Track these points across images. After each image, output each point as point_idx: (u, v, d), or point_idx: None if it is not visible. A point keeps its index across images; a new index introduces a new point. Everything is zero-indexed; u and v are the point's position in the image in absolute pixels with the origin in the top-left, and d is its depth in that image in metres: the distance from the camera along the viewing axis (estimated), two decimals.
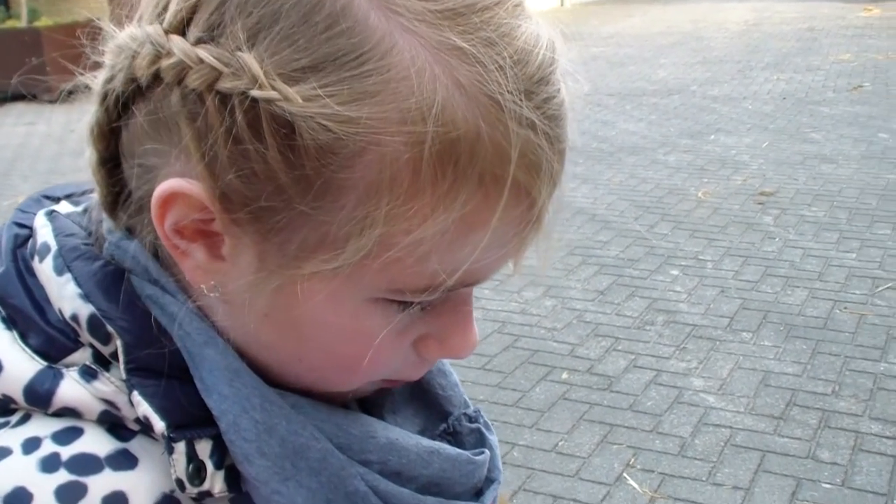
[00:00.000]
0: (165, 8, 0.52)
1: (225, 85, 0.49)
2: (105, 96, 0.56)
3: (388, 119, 0.49)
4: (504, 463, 3.18)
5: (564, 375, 3.82)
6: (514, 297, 4.63)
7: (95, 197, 0.62)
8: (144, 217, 0.57)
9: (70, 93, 0.60)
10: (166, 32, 0.51)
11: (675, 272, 4.85)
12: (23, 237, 0.62)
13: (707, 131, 7.78)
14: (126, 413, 0.58)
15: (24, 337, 0.59)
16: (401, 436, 0.63)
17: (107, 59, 0.55)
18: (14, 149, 8.54)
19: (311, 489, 0.58)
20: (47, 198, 0.67)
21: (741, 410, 3.49)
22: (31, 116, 9.37)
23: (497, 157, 0.50)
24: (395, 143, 0.49)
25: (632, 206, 5.99)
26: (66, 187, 0.68)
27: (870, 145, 7.04)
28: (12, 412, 0.58)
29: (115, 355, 0.58)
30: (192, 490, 0.57)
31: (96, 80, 0.57)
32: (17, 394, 0.57)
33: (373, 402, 0.68)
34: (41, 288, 0.60)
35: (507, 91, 0.50)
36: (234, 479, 0.59)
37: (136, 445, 0.58)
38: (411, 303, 0.55)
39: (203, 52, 0.50)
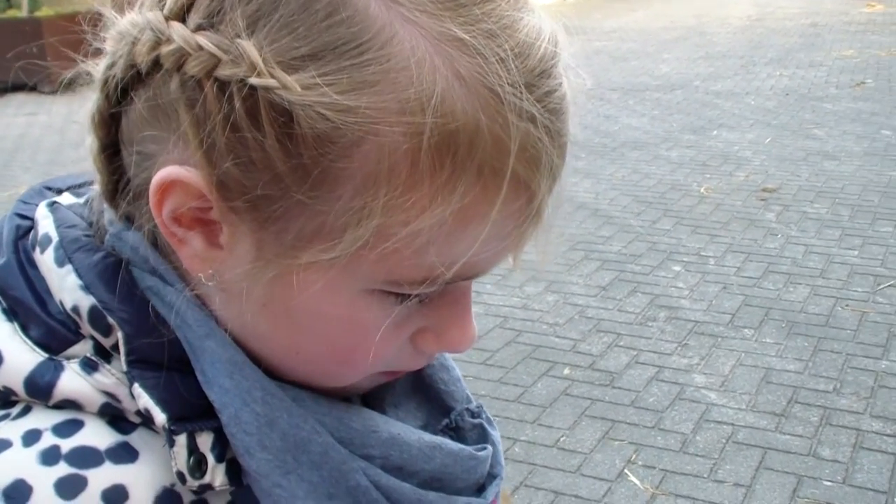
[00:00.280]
0: None
1: (224, 72, 0.49)
2: (106, 83, 0.56)
3: (386, 109, 0.48)
4: (505, 458, 3.18)
5: (566, 371, 3.83)
6: (515, 292, 4.63)
7: (97, 188, 0.62)
8: (142, 205, 0.57)
9: (71, 82, 0.59)
10: (167, 19, 0.51)
11: (677, 268, 4.85)
12: (24, 228, 0.62)
13: (710, 127, 7.77)
14: (127, 405, 0.58)
15: (24, 329, 0.59)
16: (403, 430, 0.63)
17: (108, 46, 0.55)
18: (14, 139, 8.53)
19: (312, 483, 0.58)
20: (49, 189, 0.67)
21: (743, 407, 3.49)
22: (32, 107, 9.35)
23: (496, 150, 0.50)
24: (394, 134, 0.49)
25: (634, 201, 5.99)
26: (68, 179, 0.68)
27: (872, 142, 7.03)
28: (13, 404, 0.58)
29: (115, 347, 0.58)
30: (193, 483, 0.57)
31: (98, 68, 0.57)
32: (18, 386, 0.57)
33: (374, 396, 0.68)
34: (42, 279, 0.60)
35: (508, 83, 0.50)
36: (235, 472, 0.59)
37: (137, 438, 0.58)
38: (409, 295, 0.55)
39: (202, 39, 0.50)
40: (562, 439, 3.34)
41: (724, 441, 3.28)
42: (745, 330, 4.11)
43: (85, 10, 0.58)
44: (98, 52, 0.57)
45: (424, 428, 0.68)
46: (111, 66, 0.55)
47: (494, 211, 0.51)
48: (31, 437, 0.56)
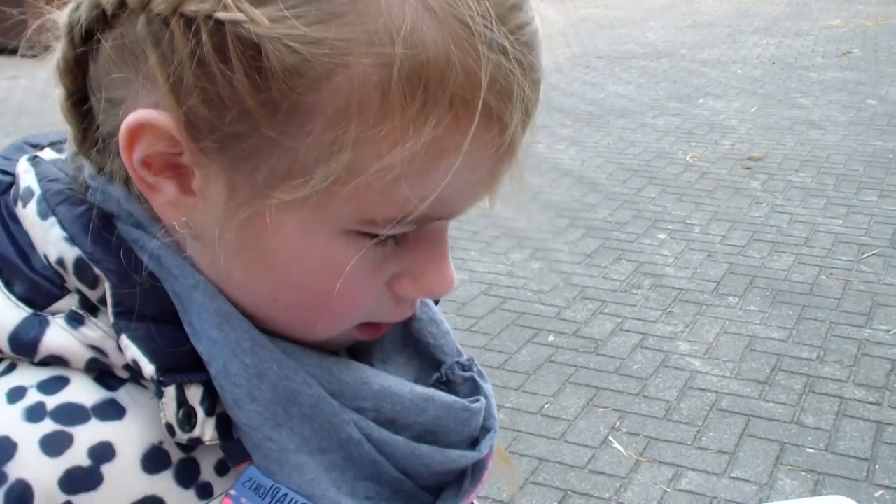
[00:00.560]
0: None
1: (190, 8, 0.48)
2: (70, 27, 0.55)
3: (355, 40, 0.48)
4: None
5: (551, 338, 3.82)
6: (500, 259, 4.62)
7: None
8: (113, 152, 0.56)
9: (38, 31, 0.58)
10: None
11: (662, 236, 4.85)
12: (5, 184, 0.61)
13: (696, 95, 7.75)
14: (114, 359, 0.57)
15: (8, 285, 0.58)
16: (394, 383, 0.62)
17: None
18: None
19: (303, 436, 0.58)
20: (30, 145, 0.66)
21: (727, 375, 3.50)
22: (13, 70, 9.23)
23: (467, 82, 0.49)
24: (364, 66, 0.48)
25: (620, 168, 5.98)
26: (49, 135, 0.67)
27: (858, 111, 7.03)
28: None
29: (102, 301, 0.57)
30: (182, 436, 0.56)
31: (62, 14, 0.55)
32: (2, 342, 0.56)
33: (363, 352, 0.67)
34: (25, 234, 0.58)
35: (479, 15, 0.49)
36: (225, 427, 0.58)
37: (124, 395, 0.57)
38: (385, 237, 0.54)
39: None
40: (546, 406, 3.34)
41: (707, 408, 3.29)
42: (730, 298, 4.12)
43: None
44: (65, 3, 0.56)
45: (415, 383, 0.66)
46: (76, 8, 0.54)
47: (466, 142, 0.51)
48: (16, 395, 0.55)
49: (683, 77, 8.45)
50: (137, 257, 0.57)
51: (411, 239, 0.57)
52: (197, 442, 0.57)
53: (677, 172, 5.85)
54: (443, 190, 0.52)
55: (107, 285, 0.56)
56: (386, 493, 0.62)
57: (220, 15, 0.48)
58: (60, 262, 0.57)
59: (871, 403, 3.28)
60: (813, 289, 4.17)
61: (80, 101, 0.58)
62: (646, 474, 2.95)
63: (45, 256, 0.57)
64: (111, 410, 0.56)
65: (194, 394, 0.57)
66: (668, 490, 2.87)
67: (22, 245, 0.58)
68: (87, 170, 0.60)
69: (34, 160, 0.62)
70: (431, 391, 0.64)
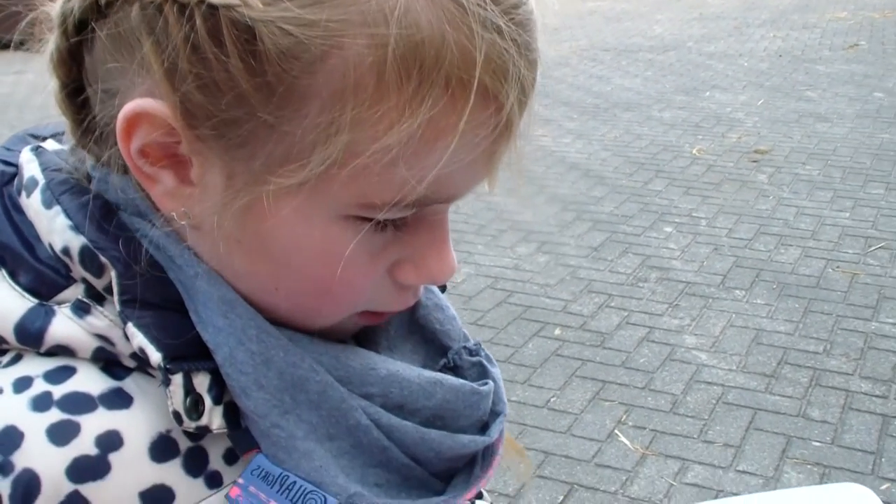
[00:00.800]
0: None
1: None
2: (64, 18, 0.55)
3: (349, 21, 0.48)
4: None
5: (557, 332, 3.82)
6: (507, 252, 4.62)
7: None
8: (111, 143, 0.56)
9: (31, 24, 0.58)
10: None
11: (668, 229, 4.84)
12: (9, 175, 0.61)
13: (702, 88, 7.73)
14: (121, 348, 0.57)
15: (13, 275, 0.58)
16: (402, 368, 0.62)
17: None
18: (2, 98, 8.44)
19: (311, 423, 0.58)
20: (33, 136, 0.66)
21: (733, 368, 3.50)
22: (20, 65, 9.25)
23: (462, 61, 0.50)
24: (358, 47, 0.48)
25: (626, 162, 5.96)
26: (52, 126, 0.67)
27: (865, 104, 7.01)
28: (3, 353, 0.57)
29: (108, 289, 0.57)
30: (189, 424, 0.56)
31: (55, 6, 0.55)
32: (8, 333, 0.56)
33: (369, 340, 0.67)
34: (30, 225, 0.58)
35: None
36: (233, 415, 0.58)
37: (131, 384, 0.57)
38: (384, 222, 0.54)
39: None
40: (552, 400, 3.34)
41: (714, 402, 3.29)
42: (736, 291, 4.12)
43: None
44: None
45: (423, 369, 0.66)
46: (71, 1, 0.54)
47: (462, 122, 0.51)
48: (23, 384, 0.55)
49: (690, 70, 8.42)
50: (140, 246, 0.57)
51: (411, 224, 0.57)
52: (205, 430, 0.57)
53: (684, 165, 5.84)
54: (440, 171, 0.52)
55: (113, 273, 0.56)
56: (396, 480, 0.61)
57: (214, 0, 0.48)
58: (66, 251, 0.57)
59: (877, 396, 3.27)
60: (819, 282, 4.16)
61: (74, 93, 0.58)
62: (652, 468, 2.95)
63: (51, 246, 0.57)
64: (118, 399, 0.56)
65: (201, 382, 0.57)
66: (675, 483, 2.88)
67: (26, 235, 0.58)
68: (89, 160, 0.60)
69: (37, 150, 0.62)
70: (439, 375, 0.64)
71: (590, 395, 3.36)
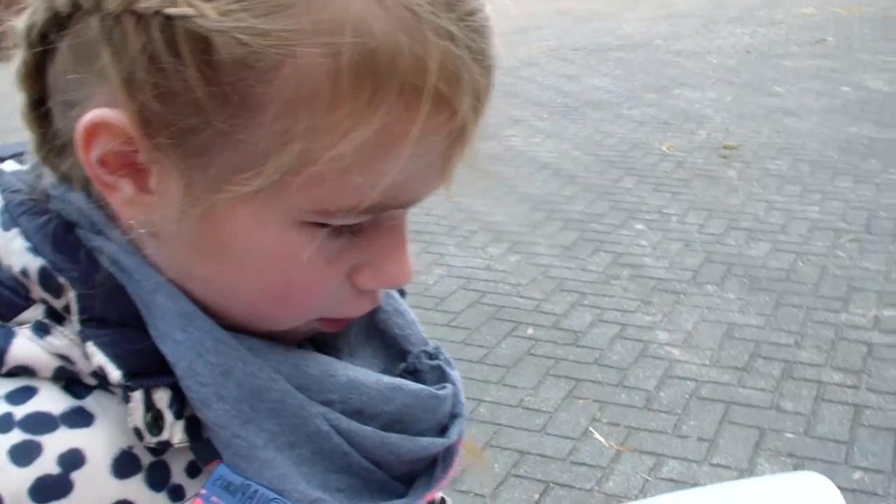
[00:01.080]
0: None
1: (141, 4, 0.49)
2: (28, 32, 0.55)
3: (303, 31, 0.48)
4: (470, 419, 3.18)
5: (530, 331, 3.82)
6: (478, 253, 4.62)
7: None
8: (71, 154, 0.56)
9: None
10: None
11: (639, 226, 4.86)
12: None
13: (671, 85, 7.77)
14: (81, 367, 0.57)
15: None
16: (360, 374, 0.62)
17: None
18: None
19: (271, 432, 0.58)
20: None
21: (706, 363, 3.51)
22: None
23: (416, 68, 0.50)
24: (312, 56, 0.49)
25: (596, 160, 5.98)
26: (12, 147, 0.67)
27: (832, 99, 7.07)
28: None
29: (67, 309, 0.57)
30: (150, 439, 0.56)
31: (21, 19, 0.56)
32: None
33: (330, 346, 0.67)
34: None
35: (426, 2, 0.50)
36: (195, 429, 0.58)
37: (92, 402, 0.57)
38: (340, 227, 0.55)
39: None
40: (526, 399, 3.34)
41: (687, 397, 3.30)
42: (708, 286, 4.14)
43: None
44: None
45: (383, 374, 0.67)
46: (33, 13, 0.54)
47: (416, 128, 0.51)
48: None
49: (659, 68, 8.47)
50: (99, 264, 0.57)
51: (368, 229, 0.57)
52: (166, 445, 0.57)
53: (654, 163, 5.87)
54: (396, 177, 0.52)
55: (71, 293, 0.56)
56: (357, 485, 0.62)
57: (170, 10, 0.48)
58: (24, 272, 0.57)
59: (848, 387, 3.30)
60: (790, 275, 4.19)
61: (39, 106, 0.58)
62: (626, 464, 2.96)
63: (9, 267, 0.58)
64: (79, 418, 0.56)
65: (161, 397, 0.57)
66: (650, 479, 2.88)
67: None
68: (48, 178, 0.60)
69: None
70: (398, 380, 0.64)
71: (563, 394, 3.36)
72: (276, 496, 0.58)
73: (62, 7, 0.52)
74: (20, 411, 0.55)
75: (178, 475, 0.59)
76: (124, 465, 0.57)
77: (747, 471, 2.87)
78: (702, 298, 4.02)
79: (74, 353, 0.57)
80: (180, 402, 0.57)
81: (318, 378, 0.60)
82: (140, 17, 0.49)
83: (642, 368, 3.50)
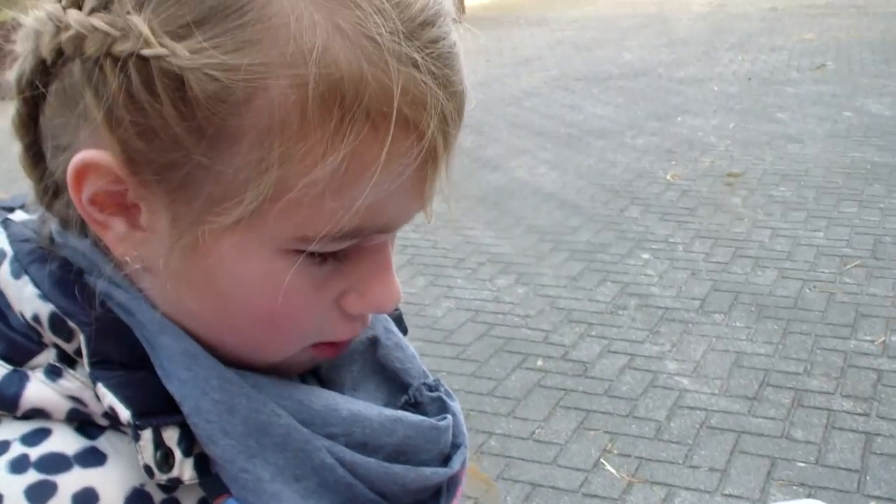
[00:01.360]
0: None
1: (118, 48, 0.51)
2: (19, 82, 0.58)
3: (271, 64, 0.51)
4: (481, 452, 3.19)
5: (539, 363, 3.83)
6: (486, 285, 4.64)
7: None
8: (65, 196, 0.58)
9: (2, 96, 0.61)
10: (64, 9, 0.54)
11: (646, 256, 4.87)
12: None
13: (674, 113, 7.81)
14: (93, 408, 0.58)
15: None
16: (363, 407, 0.64)
17: (18, 48, 0.58)
18: None
19: (277, 465, 0.60)
20: (2, 208, 0.68)
21: (715, 392, 3.51)
22: None
23: (381, 94, 0.52)
24: (281, 87, 0.51)
25: (601, 190, 6.01)
26: (21, 198, 0.70)
27: (834, 124, 7.10)
28: None
29: (78, 352, 0.59)
30: (161, 477, 0.58)
31: (12, 71, 0.59)
32: None
33: (334, 382, 0.70)
34: (1, 295, 0.60)
35: (387, 31, 0.52)
36: (205, 466, 0.60)
37: (105, 442, 0.59)
38: (323, 254, 0.57)
39: (96, 21, 0.52)
40: (537, 431, 3.35)
41: (697, 426, 3.30)
42: (715, 315, 4.14)
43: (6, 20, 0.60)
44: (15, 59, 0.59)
45: (386, 406, 0.69)
46: (22, 63, 0.57)
47: (384, 151, 0.53)
48: (0, 448, 0.56)
49: (661, 96, 8.51)
50: (107, 308, 0.59)
51: (353, 255, 0.59)
52: (177, 482, 0.59)
53: (658, 191, 5.89)
54: (370, 200, 0.54)
55: (81, 337, 0.58)
56: None
57: (145, 52, 0.51)
58: (36, 318, 0.59)
59: (859, 415, 3.30)
60: (797, 302, 4.20)
61: (37, 154, 0.61)
62: (639, 495, 2.95)
63: (21, 314, 0.59)
64: (92, 457, 0.58)
65: (171, 435, 0.58)
66: None
67: None
68: (53, 225, 0.62)
69: (5, 222, 0.64)
70: (399, 413, 0.66)
71: (574, 425, 3.36)
72: None
73: (47, 55, 0.54)
74: (35, 452, 0.56)
75: None
76: (137, 501, 0.58)
77: (759, 501, 2.87)
78: (710, 327, 4.03)
79: (86, 395, 0.58)
80: (189, 440, 0.59)
81: (322, 412, 0.62)
82: (117, 60, 0.52)
83: (652, 399, 3.50)
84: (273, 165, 0.52)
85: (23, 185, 0.66)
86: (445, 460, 0.68)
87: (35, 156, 0.61)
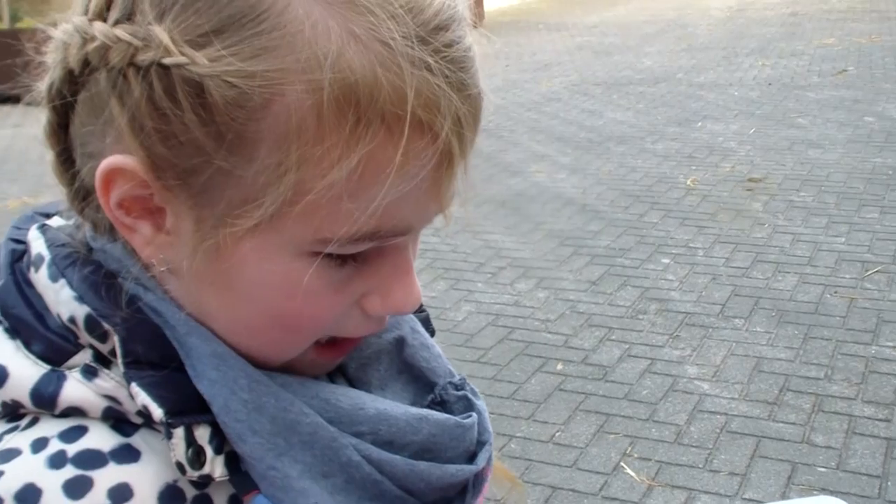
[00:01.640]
0: (90, 0, 0.57)
1: (141, 57, 0.53)
2: (49, 92, 0.60)
3: (287, 70, 0.52)
4: (502, 455, 3.20)
5: (559, 367, 3.84)
6: (506, 289, 4.65)
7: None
8: (95, 202, 0.60)
9: (18, 100, 0.63)
10: (90, 21, 0.56)
11: (666, 260, 4.87)
12: (19, 252, 0.66)
13: (694, 119, 7.80)
14: (128, 407, 0.61)
15: (27, 345, 0.62)
16: (389, 406, 0.66)
17: (48, 59, 0.60)
18: (1, 151, 8.50)
19: (305, 463, 0.61)
20: (40, 214, 0.71)
21: (735, 397, 3.52)
22: (17, 118, 9.34)
23: (395, 97, 0.53)
24: (297, 92, 0.53)
25: (621, 195, 6.01)
26: (57, 204, 0.72)
27: (856, 129, 7.07)
28: (21, 417, 0.61)
29: (113, 353, 0.61)
30: (192, 473, 0.60)
31: (43, 81, 0.61)
32: (25, 398, 0.60)
33: (361, 381, 0.71)
34: (39, 297, 0.63)
35: (400, 36, 0.54)
36: (234, 463, 0.61)
37: (139, 439, 0.61)
38: (343, 257, 0.58)
39: (120, 31, 0.54)
40: (557, 434, 3.36)
41: (717, 431, 3.31)
42: (736, 320, 4.14)
43: (26, 28, 0.61)
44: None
45: (412, 405, 0.70)
46: (52, 73, 0.59)
47: (399, 153, 0.54)
48: (39, 445, 0.59)
49: (681, 101, 8.50)
50: (139, 310, 0.61)
51: (373, 257, 0.60)
52: (208, 479, 0.60)
53: (679, 197, 5.89)
54: (387, 201, 0.56)
55: (116, 338, 0.60)
56: None
57: (166, 60, 0.53)
58: (72, 320, 0.61)
59: (880, 420, 3.29)
60: (818, 308, 4.19)
61: (67, 161, 0.63)
62: (659, 499, 2.96)
63: (59, 316, 0.62)
64: (127, 454, 0.60)
65: (202, 434, 0.60)
66: None
67: (37, 307, 0.63)
68: (87, 230, 0.65)
69: (42, 228, 0.66)
70: (425, 411, 0.68)
71: (594, 429, 3.37)
72: None
73: (75, 65, 0.56)
74: (73, 449, 0.59)
75: None
76: (170, 497, 0.60)
77: None
78: (730, 332, 4.03)
79: (121, 394, 0.61)
80: (220, 438, 0.61)
81: (349, 411, 0.64)
82: (140, 69, 0.54)
83: (672, 403, 3.51)
84: (291, 169, 0.54)
85: (51, 193, 0.68)
86: (471, 458, 0.70)
87: (66, 162, 0.63)
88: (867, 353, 3.76)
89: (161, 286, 0.62)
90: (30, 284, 0.63)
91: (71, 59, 0.56)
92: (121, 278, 0.62)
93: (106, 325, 0.60)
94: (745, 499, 2.93)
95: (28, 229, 0.67)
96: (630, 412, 3.46)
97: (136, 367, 0.60)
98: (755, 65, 9.88)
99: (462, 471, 0.68)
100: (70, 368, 0.61)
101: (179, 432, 0.59)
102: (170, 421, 0.59)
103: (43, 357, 0.61)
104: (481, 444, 0.71)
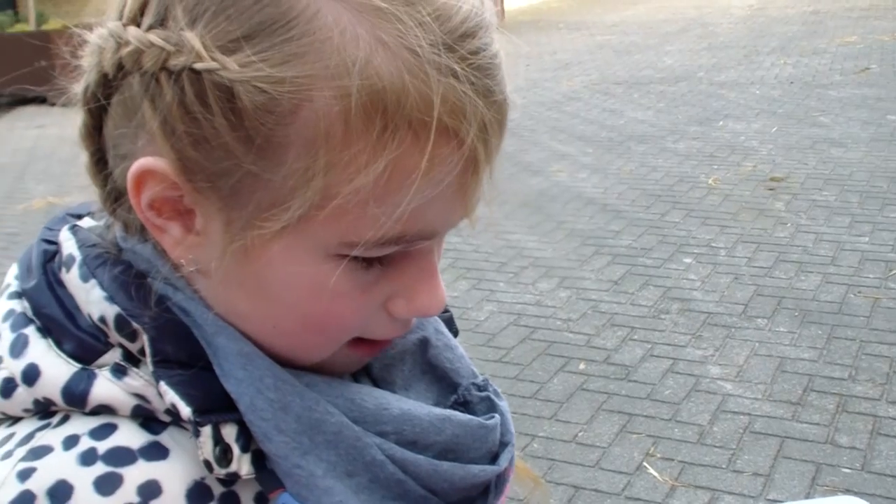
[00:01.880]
0: (125, 5, 0.58)
1: (173, 62, 0.55)
2: (84, 94, 0.61)
3: (316, 76, 0.53)
4: (524, 455, 3.21)
5: (581, 366, 3.85)
6: (528, 289, 4.66)
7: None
8: (127, 203, 0.61)
9: (45, 100, 0.64)
10: (124, 26, 0.57)
11: (688, 260, 4.87)
12: (51, 252, 0.67)
13: (715, 118, 7.78)
14: (156, 405, 0.62)
15: (58, 343, 0.63)
16: (413, 406, 0.67)
17: (84, 63, 0.61)
18: (27, 152, 8.58)
19: (329, 462, 0.62)
20: (71, 215, 0.72)
21: (759, 397, 3.51)
22: (42, 119, 9.40)
23: (422, 103, 0.54)
24: (325, 98, 0.53)
25: (643, 194, 6.01)
26: (88, 205, 0.73)
27: (879, 128, 7.03)
28: (52, 414, 0.62)
29: (142, 352, 0.62)
30: (219, 471, 0.61)
31: (79, 84, 0.62)
32: (56, 396, 0.62)
33: (385, 381, 0.73)
34: (70, 297, 0.64)
35: (428, 44, 0.54)
36: (261, 461, 0.62)
37: (167, 437, 0.62)
38: (370, 260, 0.59)
39: (153, 37, 0.55)
40: (580, 434, 3.36)
41: (741, 431, 3.30)
42: (759, 320, 4.13)
43: (60, 29, 0.63)
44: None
45: (436, 405, 0.71)
46: (87, 77, 0.61)
47: (425, 159, 0.55)
48: (71, 442, 0.60)
49: (702, 100, 8.48)
50: (168, 310, 0.63)
51: (398, 260, 0.61)
52: (235, 476, 0.61)
53: (700, 196, 5.88)
54: (413, 206, 0.57)
55: (145, 338, 0.62)
56: None
57: (197, 65, 0.54)
58: (102, 319, 0.62)
59: None
60: (842, 308, 4.18)
61: (101, 162, 0.64)
62: (682, 499, 2.96)
63: (89, 315, 0.63)
64: (156, 451, 0.61)
65: (229, 432, 0.61)
66: None
67: (68, 307, 0.64)
68: (117, 231, 0.66)
69: (74, 229, 0.68)
70: (448, 412, 0.69)
71: (617, 429, 3.38)
72: None
73: (109, 69, 0.58)
74: (103, 446, 0.60)
75: None
76: (197, 494, 0.61)
77: None
78: (753, 332, 4.02)
79: (150, 393, 0.62)
80: (247, 437, 0.62)
81: (373, 411, 0.65)
82: (172, 73, 0.55)
83: (695, 403, 3.50)
84: (318, 173, 0.55)
85: (77, 193, 0.70)
86: (493, 458, 0.71)
87: (99, 163, 0.64)
88: (891, 353, 3.75)
89: (190, 286, 0.63)
90: (61, 284, 0.65)
91: (105, 63, 0.58)
92: (150, 278, 0.63)
93: (135, 325, 0.62)
94: (769, 499, 2.92)
95: (60, 230, 0.68)
96: (653, 412, 3.47)
97: (165, 365, 0.61)
98: (777, 63, 9.84)
99: (485, 471, 0.69)
100: (100, 367, 0.62)
101: (207, 430, 0.60)
102: (197, 419, 0.60)
103: (74, 356, 0.62)
104: (504, 444, 0.72)
